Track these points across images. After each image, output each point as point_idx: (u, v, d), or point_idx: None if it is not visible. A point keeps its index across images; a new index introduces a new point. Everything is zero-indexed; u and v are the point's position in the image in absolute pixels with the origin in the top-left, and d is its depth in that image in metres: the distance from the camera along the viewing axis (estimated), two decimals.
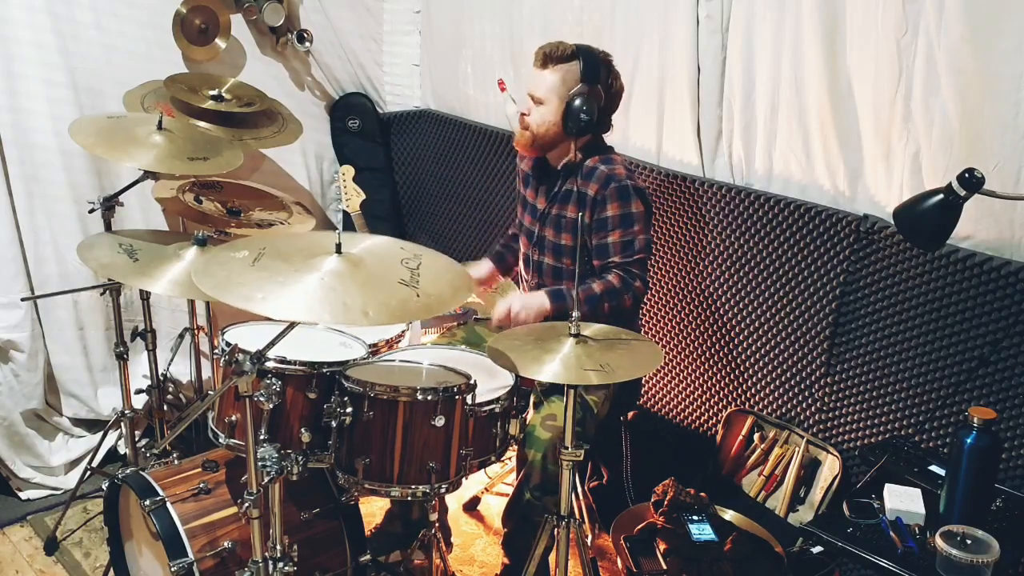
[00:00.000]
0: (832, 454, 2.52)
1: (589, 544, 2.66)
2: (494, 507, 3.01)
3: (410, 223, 3.89)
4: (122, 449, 3.15)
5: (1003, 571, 1.78)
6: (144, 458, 2.52)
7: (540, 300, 2.38)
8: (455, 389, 2.01)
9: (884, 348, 2.40)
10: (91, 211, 2.57)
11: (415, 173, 3.83)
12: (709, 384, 2.89)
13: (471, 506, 3.02)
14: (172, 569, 2.03)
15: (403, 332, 2.46)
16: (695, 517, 2.42)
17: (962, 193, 1.77)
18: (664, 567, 2.32)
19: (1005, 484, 2.08)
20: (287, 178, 3.62)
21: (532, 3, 3.21)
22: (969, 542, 1.76)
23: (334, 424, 2.02)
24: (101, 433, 2.91)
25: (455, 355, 2.36)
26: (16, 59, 2.81)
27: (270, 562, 1.90)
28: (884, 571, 1.83)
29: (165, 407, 2.89)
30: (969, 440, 1.86)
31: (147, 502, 2.08)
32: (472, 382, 2.05)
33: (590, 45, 2.44)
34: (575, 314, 1.99)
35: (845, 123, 2.43)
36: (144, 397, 2.86)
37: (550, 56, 2.39)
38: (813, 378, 2.59)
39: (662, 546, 2.36)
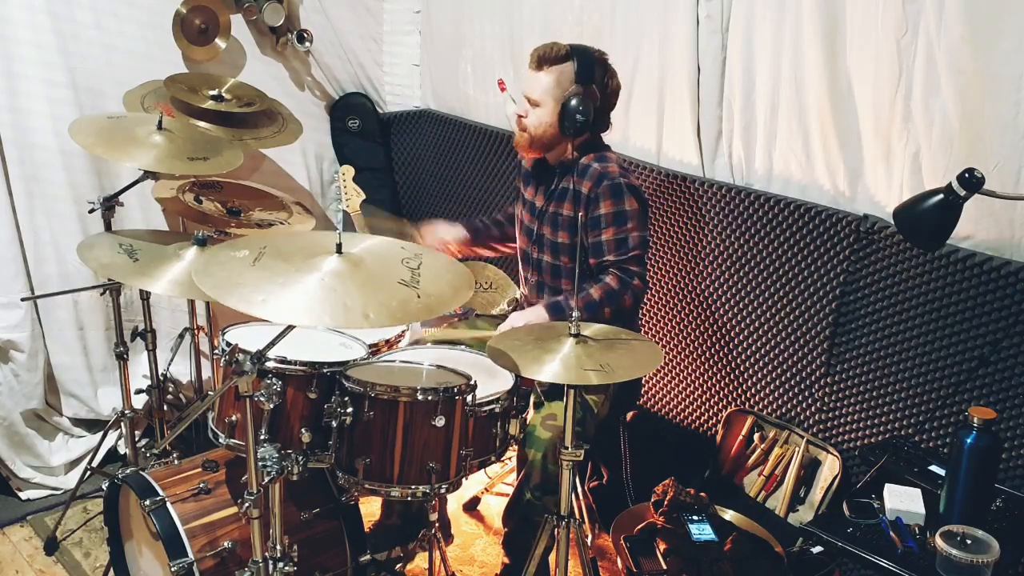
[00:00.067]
0: (832, 454, 2.52)
1: (589, 544, 2.66)
2: (494, 507, 3.01)
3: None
4: (122, 449, 3.15)
5: (1003, 571, 1.78)
6: (144, 458, 2.52)
7: (540, 316, 2.38)
8: (455, 389, 2.01)
9: (884, 348, 2.40)
10: (91, 211, 2.57)
11: (415, 173, 3.83)
12: (709, 384, 2.89)
13: (471, 506, 3.02)
14: (172, 569, 2.03)
15: (403, 332, 2.46)
16: (695, 517, 2.42)
17: (962, 193, 1.77)
18: (664, 567, 2.32)
19: (1005, 484, 2.08)
20: (287, 178, 3.62)
21: (532, 3, 3.21)
22: (969, 542, 1.76)
23: (334, 424, 2.02)
24: (101, 433, 2.91)
25: (455, 355, 2.36)
26: (16, 59, 2.81)
27: (270, 562, 1.90)
28: (884, 571, 1.83)
29: (165, 407, 2.89)
30: (969, 440, 1.86)
31: (147, 502, 2.09)
32: (472, 382, 2.05)
33: (585, 45, 2.44)
34: (575, 314, 1.99)
35: (845, 123, 2.43)
36: (144, 397, 2.86)
37: (544, 58, 2.39)
38: (813, 378, 2.59)
39: (662, 546, 2.36)
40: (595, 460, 2.88)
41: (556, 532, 2.07)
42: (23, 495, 3.04)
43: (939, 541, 1.77)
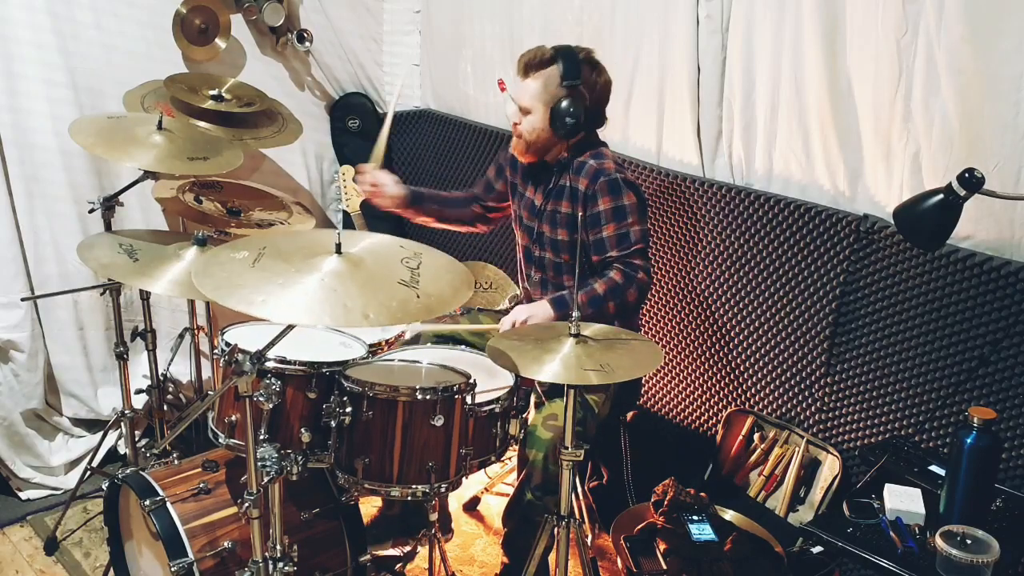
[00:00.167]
0: (832, 454, 2.52)
1: (589, 544, 2.66)
2: (494, 507, 3.01)
3: (410, 223, 3.88)
4: (122, 449, 3.15)
5: (1003, 571, 1.78)
6: (144, 458, 2.52)
7: (544, 310, 2.37)
8: (455, 389, 2.01)
9: (884, 348, 2.40)
10: (91, 211, 2.57)
11: (415, 173, 3.83)
12: (709, 384, 2.89)
13: (471, 506, 3.02)
14: (172, 569, 2.03)
15: (403, 332, 2.46)
16: (695, 517, 2.42)
17: (962, 193, 1.77)
18: (664, 567, 2.31)
19: (1005, 484, 2.08)
20: (287, 178, 3.62)
21: (532, 3, 3.21)
22: (969, 542, 1.76)
23: (334, 424, 2.02)
24: (101, 433, 2.91)
25: (455, 355, 2.36)
26: (16, 59, 2.81)
27: (270, 562, 1.90)
28: (884, 571, 1.83)
29: (165, 407, 2.89)
30: (969, 440, 1.86)
31: (147, 502, 2.08)
32: (472, 382, 2.05)
33: (570, 45, 2.43)
34: (575, 314, 1.99)
35: (845, 123, 2.43)
36: (144, 397, 2.86)
37: (530, 64, 2.40)
38: (813, 378, 2.59)
39: (662, 546, 2.36)
40: (595, 460, 2.88)
41: (556, 532, 2.07)
42: (23, 495, 3.04)
43: (939, 541, 1.77)
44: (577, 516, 2.15)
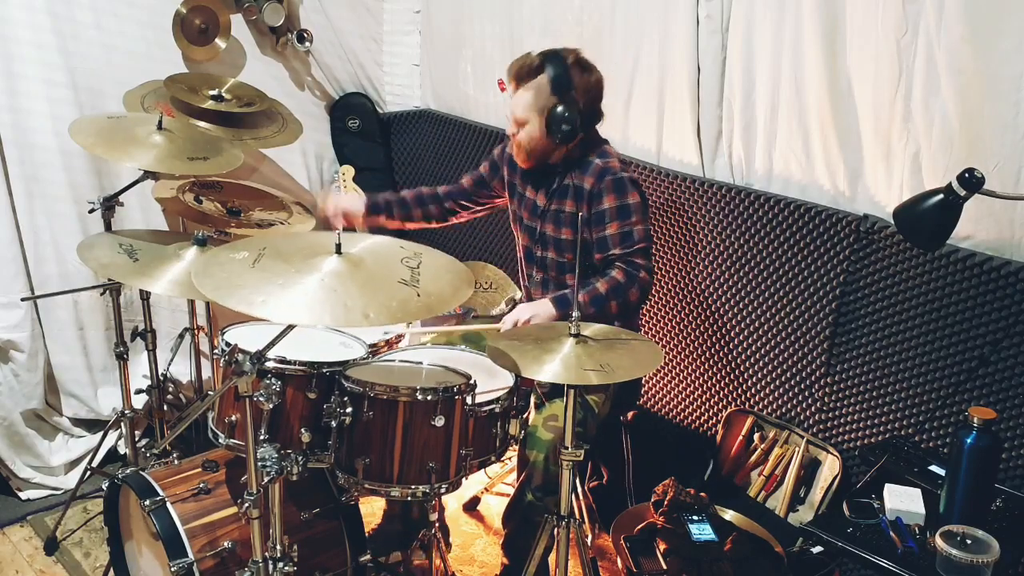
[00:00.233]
0: (832, 454, 2.52)
1: (589, 544, 2.66)
2: (494, 507, 3.01)
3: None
4: (122, 449, 3.15)
5: (1003, 571, 1.78)
6: (144, 458, 2.52)
7: (546, 308, 2.37)
8: (455, 389, 2.01)
9: (884, 348, 2.40)
10: (91, 211, 2.57)
11: (415, 173, 3.83)
12: (709, 384, 2.89)
13: (471, 506, 3.02)
14: (172, 569, 2.03)
15: (403, 332, 2.46)
16: (695, 517, 2.42)
17: (962, 193, 1.77)
18: (664, 567, 2.31)
19: (1005, 484, 2.08)
20: (287, 178, 3.61)
21: (532, 3, 3.21)
22: (969, 542, 1.76)
23: (334, 424, 2.02)
24: (101, 433, 2.91)
25: (455, 355, 2.36)
26: (16, 59, 2.81)
27: (270, 562, 1.90)
28: (884, 571, 1.83)
29: (165, 407, 2.89)
30: (969, 440, 1.86)
31: (147, 502, 2.08)
32: (472, 382, 2.05)
33: (555, 49, 2.42)
34: (575, 313, 1.99)
35: (845, 123, 2.43)
36: (144, 397, 2.86)
37: (519, 75, 2.40)
38: (813, 378, 2.59)
39: (662, 546, 2.36)
40: (595, 460, 2.88)
41: (556, 532, 2.07)
42: (23, 495, 3.04)
43: (939, 541, 1.77)
44: (577, 516, 2.15)
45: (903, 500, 2.00)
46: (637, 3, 2.85)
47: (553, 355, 1.92)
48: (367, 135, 3.75)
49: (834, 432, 2.56)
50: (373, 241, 1.89)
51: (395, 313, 1.68)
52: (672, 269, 2.90)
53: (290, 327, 1.74)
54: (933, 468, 2.11)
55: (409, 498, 2.06)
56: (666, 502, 2.45)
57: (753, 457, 2.69)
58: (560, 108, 2.35)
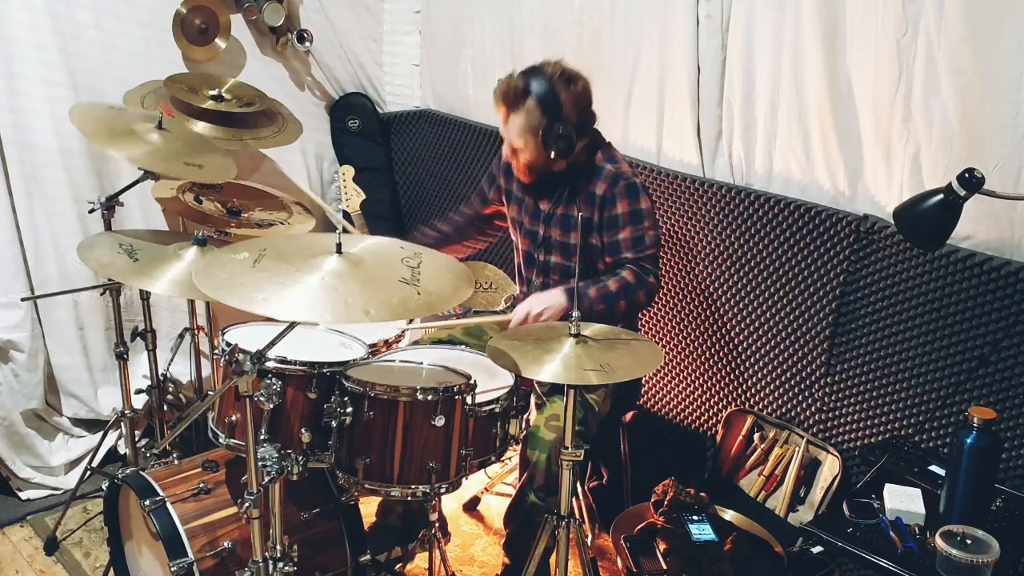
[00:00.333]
0: (832, 454, 2.52)
1: (589, 544, 2.66)
2: (494, 507, 3.01)
3: (410, 223, 3.89)
4: (122, 449, 3.15)
5: (1003, 571, 1.78)
6: (144, 458, 2.52)
7: (558, 300, 2.37)
8: (455, 389, 2.01)
9: (884, 348, 2.40)
10: (91, 211, 2.57)
11: (415, 173, 3.83)
12: (709, 384, 2.89)
13: (471, 506, 3.02)
14: (172, 569, 2.03)
15: (403, 332, 2.46)
16: (695, 517, 2.42)
17: (962, 193, 1.77)
18: (664, 567, 2.31)
19: (1005, 484, 2.08)
20: (287, 178, 3.61)
21: (532, 3, 3.21)
22: (969, 542, 1.76)
23: (334, 424, 2.02)
24: (101, 433, 2.91)
25: (455, 355, 2.36)
26: (16, 59, 2.81)
27: (270, 562, 1.90)
28: (884, 571, 1.83)
29: (165, 407, 2.89)
30: (969, 440, 1.86)
31: (147, 502, 2.08)
32: (472, 382, 2.05)
33: (536, 67, 2.40)
34: (575, 313, 1.99)
35: (845, 123, 2.43)
36: (144, 397, 2.86)
37: (506, 102, 2.39)
38: (813, 378, 2.59)
39: (662, 546, 2.36)
40: (595, 460, 2.88)
41: (556, 532, 2.07)
42: (23, 495, 3.04)
43: (939, 541, 1.77)
44: (577, 516, 2.15)
45: (903, 500, 2.00)
46: (637, 3, 2.85)
47: (553, 355, 1.93)
48: (367, 135, 3.75)
49: (834, 432, 2.56)
50: (373, 241, 1.89)
51: (396, 310, 1.68)
52: (672, 269, 2.90)
53: (291, 326, 1.74)
54: (933, 468, 2.11)
55: (409, 498, 2.06)
56: (666, 502, 2.45)
57: (753, 457, 2.69)
58: (554, 128, 2.35)
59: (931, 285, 2.28)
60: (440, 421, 1.99)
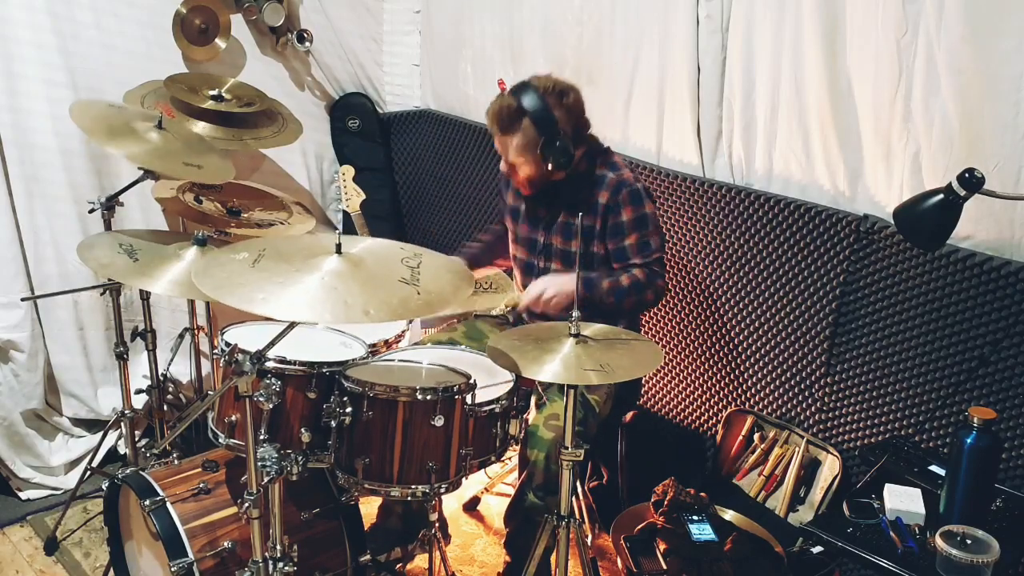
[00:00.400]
0: (832, 454, 2.52)
1: (589, 544, 2.66)
2: (494, 507, 3.01)
3: (410, 223, 3.89)
4: (122, 449, 3.15)
5: (1003, 571, 1.78)
6: (144, 458, 2.52)
7: (569, 285, 2.36)
8: (455, 389, 2.01)
9: (884, 348, 2.40)
10: (91, 211, 2.57)
11: (415, 173, 3.83)
12: (709, 384, 2.89)
13: (471, 506, 3.02)
14: (172, 569, 2.03)
15: (403, 332, 2.46)
16: (695, 517, 2.42)
17: (962, 193, 1.77)
18: (664, 567, 2.31)
19: (1005, 484, 2.08)
20: (287, 178, 3.62)
21: (532, 3, 3.21)
22: (969, 542, 1.76)
23: (334, 424, 2.02)
24: (101, 433, 2.91)
25: (455, 355, 2.36)
26: (16, 59, 2.81)
27: (270, 562, 1.90)
28: (884, 571, 1.83)
29: (165, 407, 2.89)
30: (969, 440, 1.86)
31: (147, 502, 2.08)
32: (472, 382, 2.05)
33: (526, 83, 2.40)
34: (575, 313, 1.99)
35: (845, 123, 2.43)
36: (144, 397, 2.86)
37: (501, 125, 2.39)
38: (813, 378, 2.59)
39: (662, 546, 2.36)
40: (595, 460, 2.88)
41: (556, 532, 2.07)
42: (23, 495, 3.03)
43: (939, 541, 1.77)
44: (577, 516, 2.15)
45: (903, 500, 2.00)
46: (637, 3, 2.85)
47: (553, 355, 1.92)
48: (367, 135, 3.75)
49: (834, 432, 2.56)
50: (373, 242, 1.89)
51: (396, 310, 1.68)
52: (672, 269, 2.90)
53: (291, 326, 1.74)
54: (933, 468, 2.11)
55: (409, 498, 2.06)
56: (666, 502, 2.45)
57: (753, 457, 2.69)
58: (551, 143, 2.36)
59: (931, 285, 2.28)
60: (440, 421, 1.99)
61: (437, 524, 2.28)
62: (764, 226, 2.63)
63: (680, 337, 2.94)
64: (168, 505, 2.11)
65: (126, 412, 2.72)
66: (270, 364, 1.99)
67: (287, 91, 3.51)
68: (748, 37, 2.59)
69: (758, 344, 2.72)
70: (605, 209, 2.42)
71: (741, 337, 2.76)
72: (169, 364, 3.06)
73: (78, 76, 2.94)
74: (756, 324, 2.71)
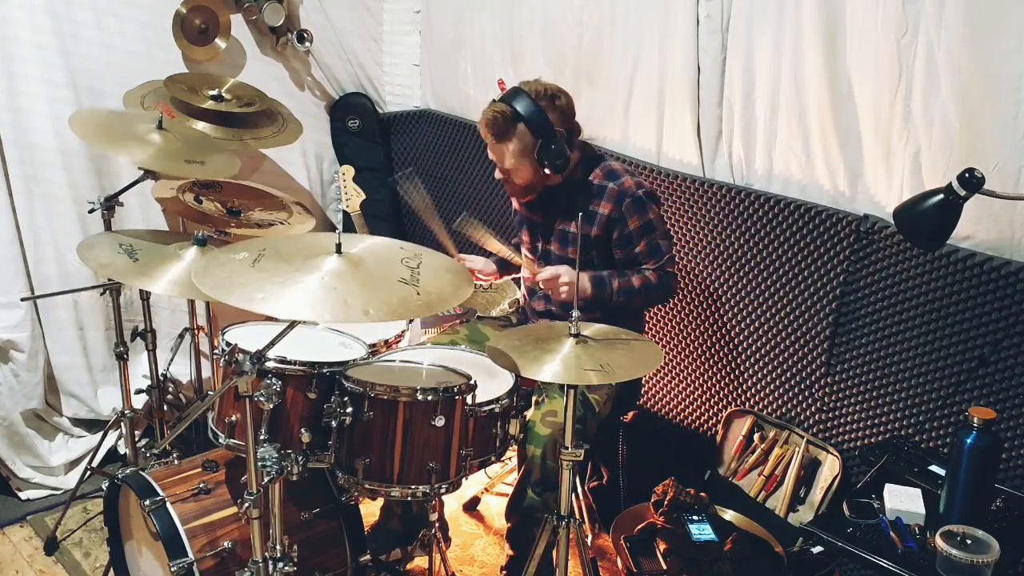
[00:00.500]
0: (832, 454, 2.52)
1: (589, 544, 2.66)
2: (494, 507, 3.01)
3: (410, 223, 3.89)
4: (122, 449, 3.15)
5: (1003, 571, 1.78)
6: (144, 458, 2.52)
7: (583, 283, 2.39)
8: (455, 389, 2.01)
9: (884, 348, 2.40)
10: (91, 211, 2.57)
11: (415, 173, 3.83)
12: (709, 384, 2.89)
13: (471, 506, 3.02)
14: (172, 569, 2.02)
15: (403, 332, 2.46)
16: (695, 517, 2.42)
17: (962, 193, 1.77)
18: (664, 567, 2.32)
19: (1005, 484, 2.08)
20: (287, 178, 3.62)
21: (532, 3, 3.21)
22: (969, 542, 1.76)
23: (334, 424, 2.02)
24: (101, 433, 2.91)
25: (455, 355, 2.36)
26: (16, 59, 2.81)
27: (270, 562, 1.90)
28: (884, 571, 1.83)
29: (165, 407, 2.89)
30: (969, 440, 1.86)
31: (147, 502, 2.08)
32: (472, 382, 2.05)
33: (517, 88, 2.40)
34: (575, 313, 1.99)
35: (845, 123, 2.43)
36: (144, 397, 2.86)
37: (495, 132, 2.38)
38: (813, 378, 2.59)
39: (662, 546, 2.36)
40: (595, 460, 2.88)
41: (556, 532, 2.07)
42: (23, 495, 3.03)
43: (939, 541, 1.77)
44: (577, 516, 2.15)
45: (903, 500, 2.00)
46: (637, 3, 2.85)
47: (553, 355, 1.92)
48: (367, 135, 3.75)
49: (834, 432, 2.56)
50: (373, 242, 1.89)
51: (395, 310, 1.68)
52: None
53: (291, 326, 1.74)
54: (933, 468, 2.11)
55: (409, 498, 2.06)
56: (666, 502, 2.45)
57: (753, 457, 2.69)
58: (547, 147, 2.36)
59: (931, 285, 2.28)
60: (440, 421, 1.99)
61: (437, 524, 2.28)
62: (764, 226, 2.63)
63: (680, 337, 2.94)
64: (168, 505, 2.11)
65: (126, 412, 2.72)
66: (270, 364, 2.00)
67: (287, 91, 3.51)
68: (748, 37, 2.59)
69: (758, 344, 2.72)
70: (609, 221, 2.42)
71: (741, 337, 2.76)
72: (169, 364, 3.06)
73: (78, 76, 2.94)
74: (756, 324, 2.71)
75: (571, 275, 2.39)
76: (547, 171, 2.39)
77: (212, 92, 3.03)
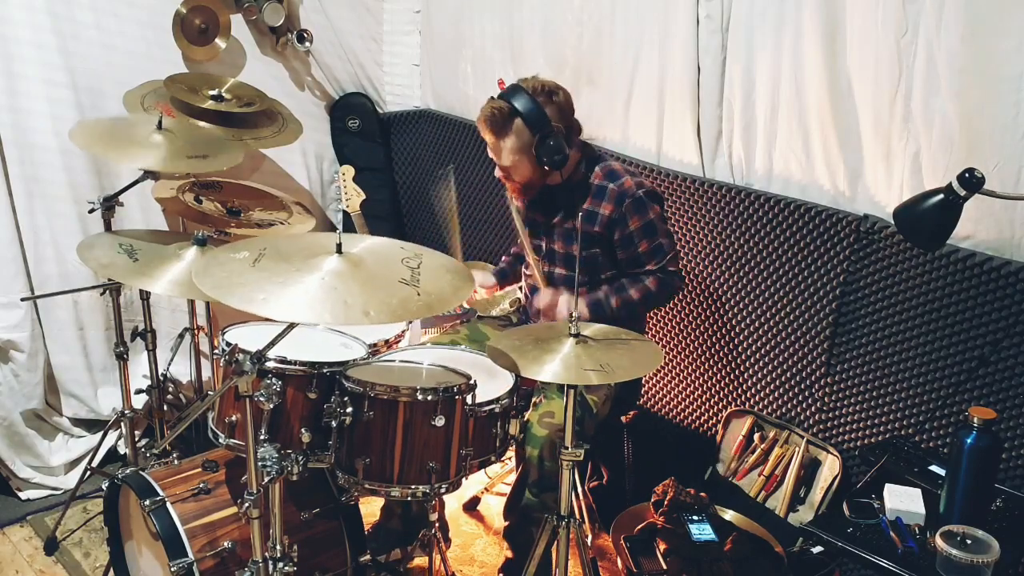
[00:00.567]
0: (832, 454, 2.52)
1: (589, 544, 2.66)
2: (494, 507, 3.00)
3: (410, 223, 3.89)
4: (122, 449, 3.15)
5: (1003, 571, 1.78)
6: (144, 458, 2.52)
7: (582, 310, 2.38)
8: (455, 389, 2.01)
9: (884, 348, 2.40)
10: (91, 211, 2.57)
11: (415, 173, 3.83)
12: (709, 384, 2.89)
13: (471, 506, 3.02)
14: (172, 569, 2.03)
15: (403, 332, 2.46)
16: (695, 517, 2.42)
17: (962, 193, 1.77)
18: (664, 567, 2.32)
19: (1005, 484, 2.08)
20: (287, 178, 3.62)
21: (532, 3, 3.21)
22: (969, 542, 1.76)
23: (334, 424, 2.02)
24: (101, 433, 2.91)
25: (455, 355, 2.36)
26: (16, 59, 2.81)
27: (270, 562, 1.90)
28: (884, 571, 1.83)
29: (165, 407, 2.89)
30: (969, 440, 1.86)
31: (147, 502, 2.08)
32: (472, 382, 2.05)
33: (515, 85, 2.40)
34: (575, 313, 1.99)
35: (845, 123, 2.43)
36: (144, 397, 2.86)
37: (494, 129, 2.38)
38: (813, 378, 2.59)
39: (662, 546, 2.36)
40: (595, 460, 2.88)
41: (556, 532, 2.07)
42: (23, 495, 3.03)
43: (939, 541, 1.77)
44: (577, 516, 2.15)
45: (903, 500, 2.00)
46: (637, 3, 2.85)
47: (553, 355, 1.92)
48: (367, 135, 3.75)
49: (834, 432, 2.56)
50: (373, 242, 1.89)
51: (396, 311, 1.68)
52: None
53: (291, 326, 1.74)
54: (933, 468, 2.11)
55: (409, 498, 2.06)
56: (666, 502, 2.45)
57: (753, 457, 2.69)
58: (544, 142, 2.35)
59: (931, 285, 2.28)
60: (440, 421, 1.99)
61: (437, 524, 2.28)
62: (764, 226, 2.63)
63: (680, 337, 2.94)
64: (168, 505, 2.11)
65: (126, 412, 2.72)
66: (270, 364, 1.99)
67: (287, 91, 3.51)
68: (748, 37, 2.59)
69: (758, 344, 2.72)
70: (610, 221, 2.42)
71: (741, 337, 2.76)
72: (169, 364, 3.06)
73: (78, 76, 2.94)
74: (756, 324, 2.71)
75: (568, 305, 2.39)
76: (546, 168, 2.39)
77: (212, 92, 3.03)
